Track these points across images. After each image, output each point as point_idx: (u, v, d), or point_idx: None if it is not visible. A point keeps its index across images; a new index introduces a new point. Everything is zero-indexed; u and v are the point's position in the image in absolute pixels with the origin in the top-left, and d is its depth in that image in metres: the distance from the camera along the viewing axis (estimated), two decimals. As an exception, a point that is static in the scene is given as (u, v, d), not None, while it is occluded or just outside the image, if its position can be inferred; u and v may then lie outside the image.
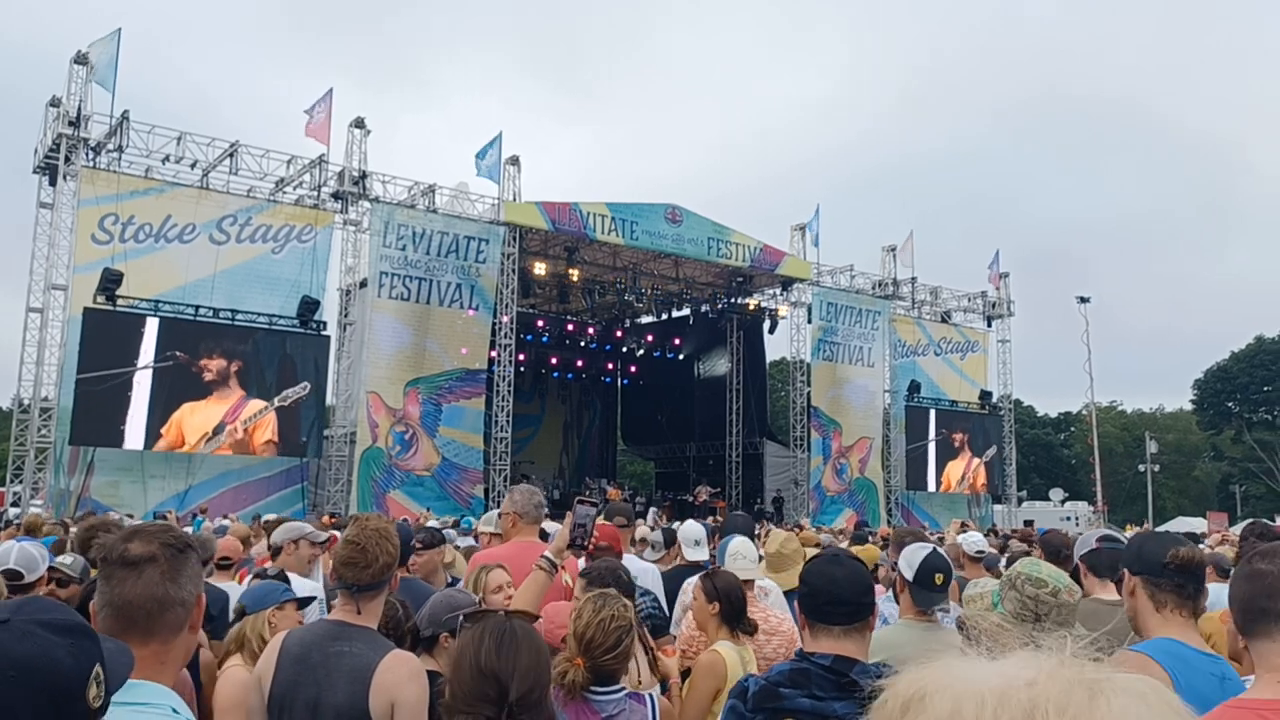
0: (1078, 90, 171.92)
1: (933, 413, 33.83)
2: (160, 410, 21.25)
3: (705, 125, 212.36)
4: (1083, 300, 38.60)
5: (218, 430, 21.82)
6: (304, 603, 4.20)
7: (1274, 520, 21.67)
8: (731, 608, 4.27)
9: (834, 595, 2.59)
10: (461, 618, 2.24)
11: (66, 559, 5.04)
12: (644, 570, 6.22)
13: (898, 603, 3.95)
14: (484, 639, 2.17)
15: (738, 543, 5.33)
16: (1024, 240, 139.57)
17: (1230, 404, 61.53)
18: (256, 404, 22.26)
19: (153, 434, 21.12)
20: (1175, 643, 2.71)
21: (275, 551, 5.56)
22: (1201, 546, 9.99)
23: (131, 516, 16.27)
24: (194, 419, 21.63)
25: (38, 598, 1.68)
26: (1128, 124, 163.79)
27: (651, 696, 2.99)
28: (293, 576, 4.76)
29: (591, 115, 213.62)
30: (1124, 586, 2.98)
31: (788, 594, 5.29)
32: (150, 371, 21.15)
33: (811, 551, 5.83)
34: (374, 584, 3.26)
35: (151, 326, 21.25)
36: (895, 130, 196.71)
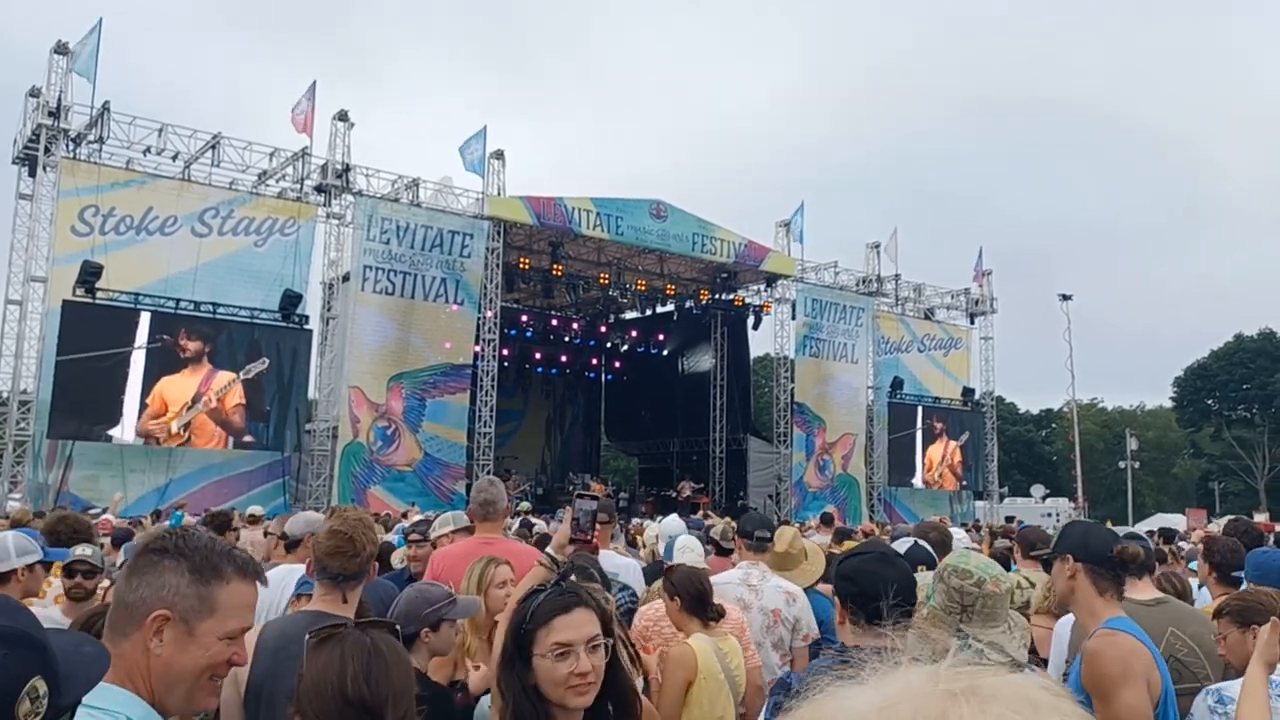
0: (1039, 93, 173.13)
1: (919, 409, 34.07)
2: (148, 389, 21.49)
3: (659, 123, 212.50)
4: (1065, 298, 38.81)
5: (195, 400, 21.98)
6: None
7: (1251, 517, 21.86)
8: (692, 599, 4.32)
9: (884, 595, 2.65)
10: (308, 637, 2.03)
11: (86, 550, 5.04)
12: (625, 566, 6.22)
13: None
14: (347, 663, 1.96)
15: (684, 539, 5.41)
16: (998, 239, 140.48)
17: (1209, 401, 62.02)
18: (226, 375, 22.36)
19: (143, 409, 21.30)
20: (1131, 622, 3.09)
21: (293, 544, 5.47)
22: (1184, 545, 10.08)
23: (107, 511, 16.14)
24: (171, 391, 21.82)
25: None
26: (1094, 126, 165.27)
27: None
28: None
29: (550, 111, 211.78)
30: (1062, 569, 3.25)
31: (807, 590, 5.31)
32: (144, 353, 21.34)
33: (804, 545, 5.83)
34: (359, 573, 3.28)
35: (145, 320, 21.39)
36: (855, 129, 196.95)
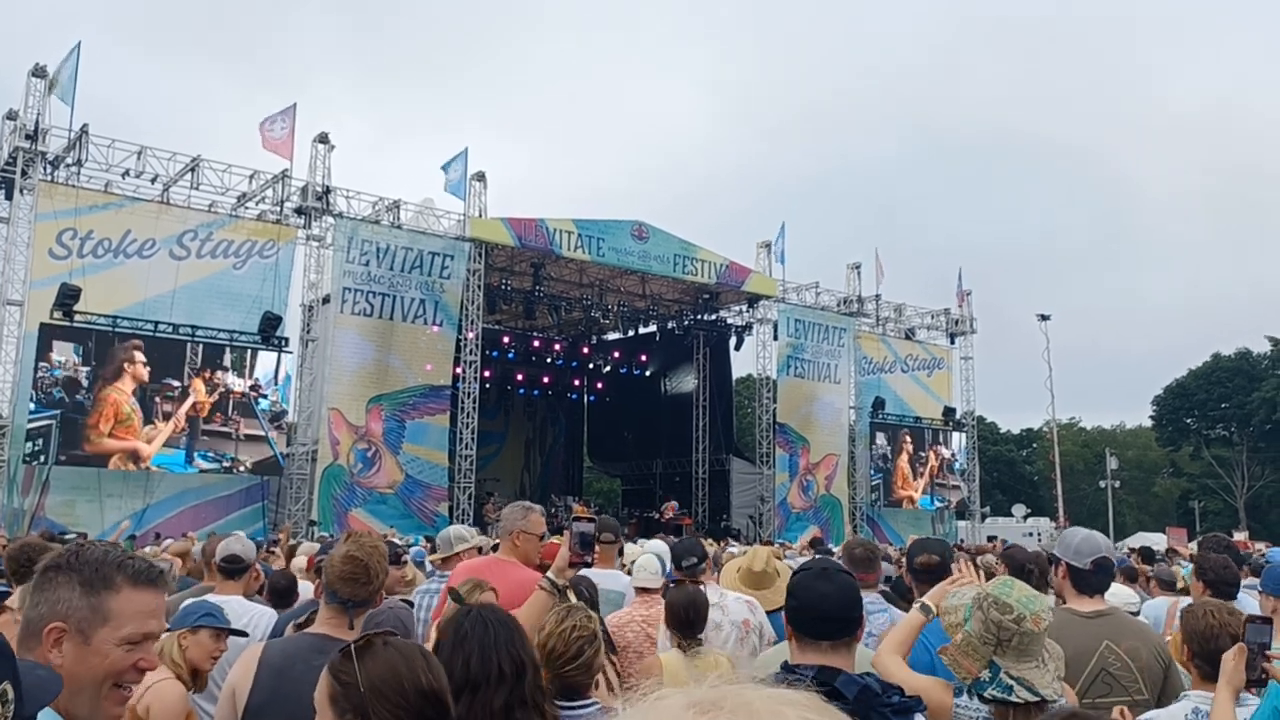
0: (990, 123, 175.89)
1: (904, 430, 34.17)
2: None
3: (606, 140, 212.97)
4: (1043, 318, 39.11)
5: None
6: (233, 633, 4.04)
7: (1231, 535, 21.93)
8: (676, 619, 4.56)
9: (822, 611, 2.60)
10: (352, 645, 2.13)
11: None
12: (629, 588, 6.16)
13: None
14: (414, 659, 2.10)
15: (643, 559, 5.73)
16: (967, 261, 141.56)
17: (1188, 421, 62.45)
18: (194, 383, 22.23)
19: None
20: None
21: (239, 571, 5.42)
22: (1161, 562, 10.14)
23: (85, 535, 15.95)
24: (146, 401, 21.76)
25: None
26: (1040, 152, 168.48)
27: None
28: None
29: (473, 129, 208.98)
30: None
31: (771, 613, 5.33)
32: (131, 375, 21.25)
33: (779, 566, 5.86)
34: (368, 600, 3.30)
35: (128, 342, 21.27)
36: (794, 159, 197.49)
